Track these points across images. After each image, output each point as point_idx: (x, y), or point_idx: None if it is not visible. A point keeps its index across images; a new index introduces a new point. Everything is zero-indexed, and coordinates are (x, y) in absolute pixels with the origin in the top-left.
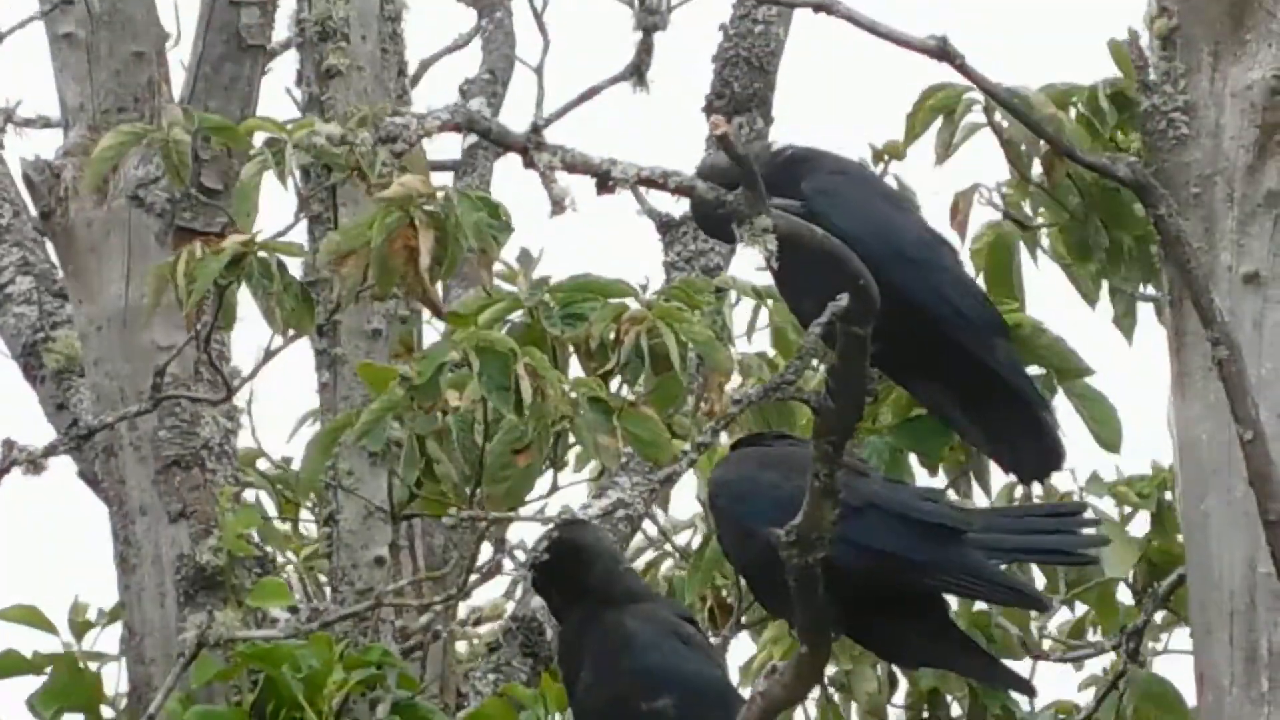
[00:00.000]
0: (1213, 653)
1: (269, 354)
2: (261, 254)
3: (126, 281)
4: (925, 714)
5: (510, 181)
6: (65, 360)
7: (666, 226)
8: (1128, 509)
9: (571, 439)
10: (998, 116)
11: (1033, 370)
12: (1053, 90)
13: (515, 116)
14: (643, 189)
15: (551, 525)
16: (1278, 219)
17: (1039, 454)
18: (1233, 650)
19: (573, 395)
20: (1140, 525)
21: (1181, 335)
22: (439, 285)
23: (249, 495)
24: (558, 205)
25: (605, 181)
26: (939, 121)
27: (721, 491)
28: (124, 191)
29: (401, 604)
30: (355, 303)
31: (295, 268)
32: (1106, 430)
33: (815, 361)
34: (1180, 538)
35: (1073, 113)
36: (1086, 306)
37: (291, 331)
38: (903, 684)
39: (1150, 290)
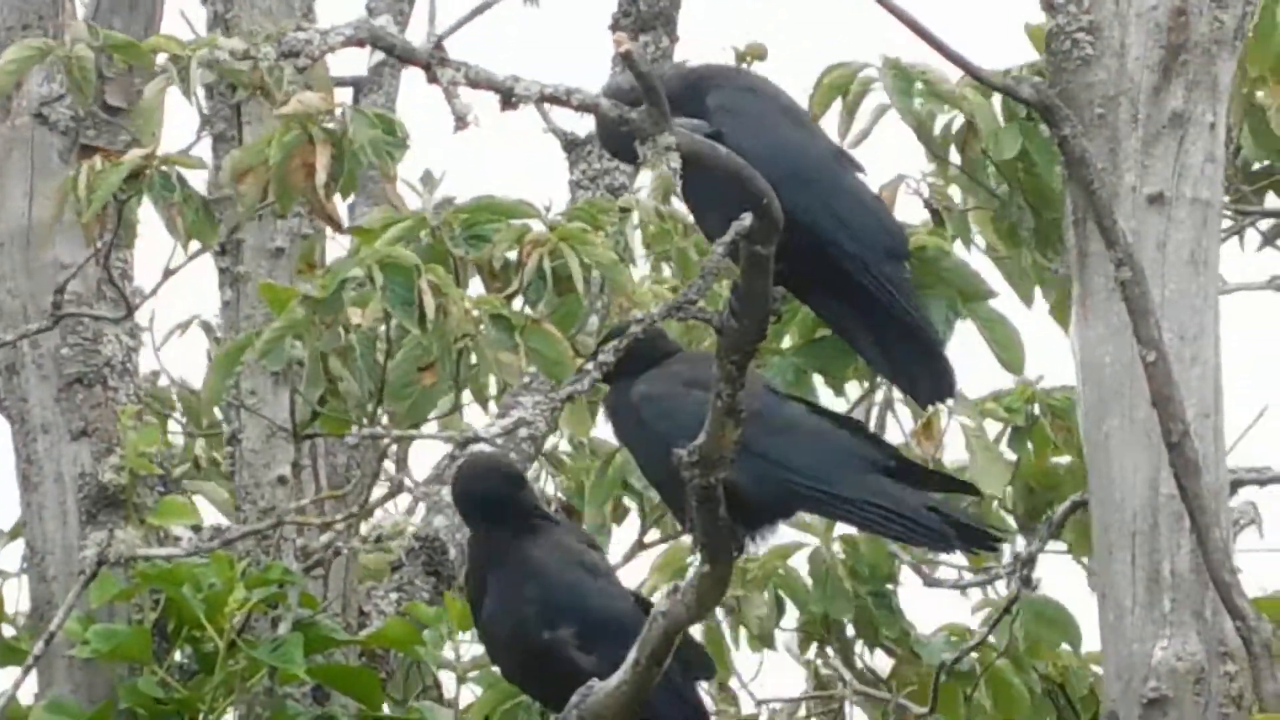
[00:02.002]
0: (1114, 573)
1: (169, 271)
2: (163, 168)
3: (30, 199)
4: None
5: (416, 99)
6: None
7: (571, 145)
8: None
9: (474, 358)
10: (914, 102)
11: (937, 292)
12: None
13: (422, 34)
14: (547, 107)
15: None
16: (1182, 140)
17: (933, 378)
18: (1134, 571)
19: (475, 313)
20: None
21: (1085, 256)
22: (342, 203)
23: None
24: (460, 121)
25: (509, 98)
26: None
27: (647, 407)
28: (28, 109)
29: (304, 522)
30: (256, 219)
31: (198, 183)
32: (1009, 352)
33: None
34: (1061, 457)
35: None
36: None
37: (194, 247)
38: (791, 610)
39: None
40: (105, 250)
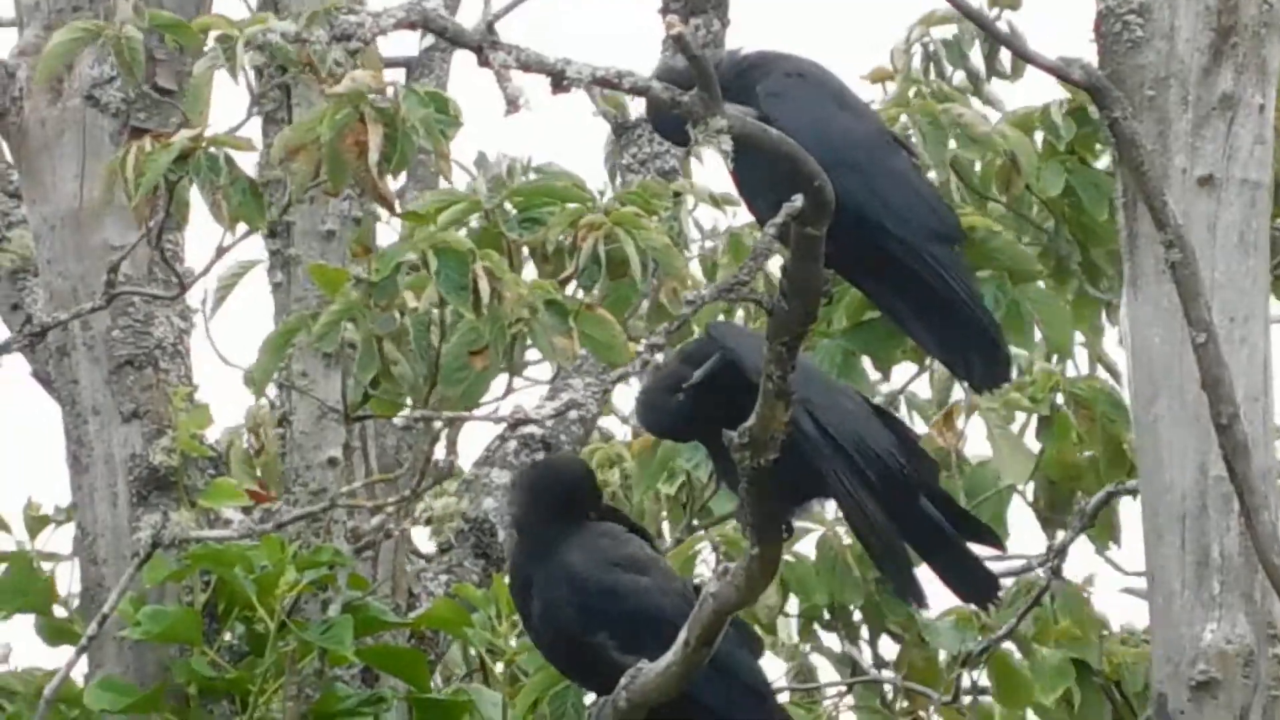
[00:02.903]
0: (1163, 556)
1: (221, 250)
2: (210, 149)
3: (80, 181)
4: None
5: (468, 82)
6: (20, 260)
7: (622, 128)
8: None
9: (528, 341)
10: (949, 149)
11: (986, 273)
12: (1013, 115)
13: (473, 17)
14: (598, 90)
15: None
16: (1231, 122)
17: (987, 363)
18: (1184, 554)
19: (529, 297)
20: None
21: (1135, 238)
22: (394, 184)
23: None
24: (512, 104)
25: (560, 81)
26: None
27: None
28: (79, 91)
29: (355, 505)
30: (307, 201)
31: (248, 166)
32: (1057, 332)
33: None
34: (1084, 451)
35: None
36: None
37: (243, 228)
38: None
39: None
40: (157, 231)
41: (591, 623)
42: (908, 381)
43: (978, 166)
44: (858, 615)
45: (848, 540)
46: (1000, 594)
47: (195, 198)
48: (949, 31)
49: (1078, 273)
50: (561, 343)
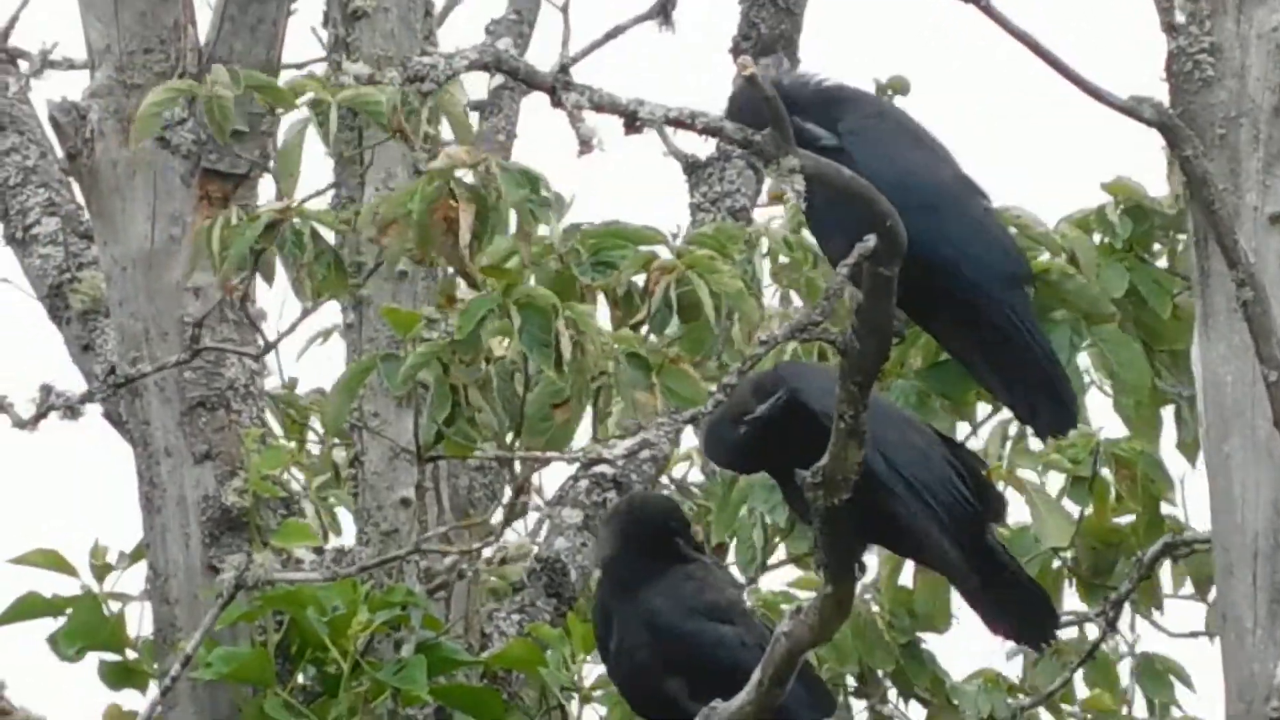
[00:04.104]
0: (1235, 594)
1: (305, 313)
2: (296, 220)
3: (152, 222)
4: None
5: (536, 122)
6: (91, 301)
7: (692, 168)
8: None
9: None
10: None
11: (1060, 315)
12: (1069, 217)
13: (541, 57)
14: (670, 130)
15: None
16: None
17: (1054, 410)
18: (1255, 591)
19: (611, 350)
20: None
21: (1206, 276)
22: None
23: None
24: (585, 145)
25: (633, 121)
26: None
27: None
28: (150, 133)
29: (436, 550)
30: (396, 276)
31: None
32: (1132, 374)
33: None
34: (1124, 516)
35: (1096, 237)
36: None
37: (321, 300)
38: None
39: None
40: (242, 297)
41: (668, 668)
42: (983, 420)
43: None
44: (886, 681)
45: (875, 607)
46: (1054, 641)
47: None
48: None
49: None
50: (643, 398)
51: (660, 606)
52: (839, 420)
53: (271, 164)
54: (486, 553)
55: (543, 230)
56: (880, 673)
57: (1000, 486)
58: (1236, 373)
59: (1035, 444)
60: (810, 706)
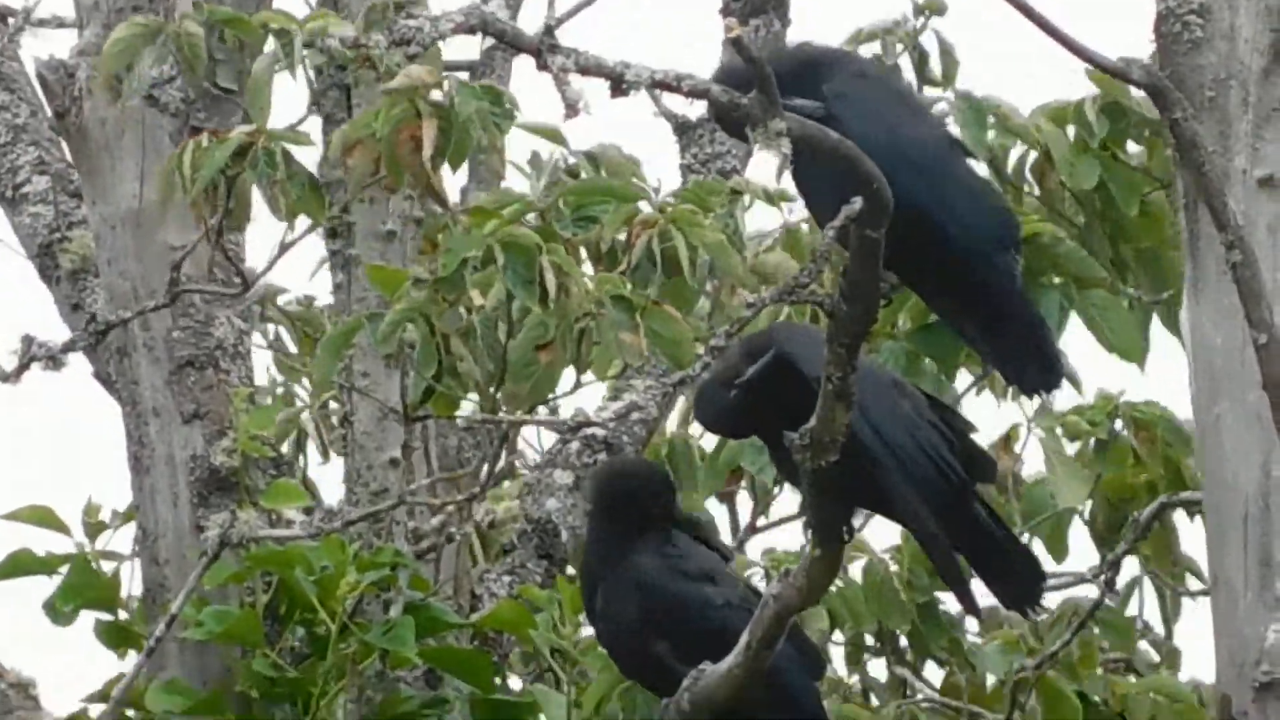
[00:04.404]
0: (1226, 558)
1: (284, 246)
2: (268, 144)
3: (141, 181)
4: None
5: (529, 84)
6: (80, 260)
7: (683, 129)
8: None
9: (595, 337)
10: (987, 136)
11: (1050, 279)
12: (1045, 108)
13: (533, 20)
14: (657, 91)
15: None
16: None
17: (1040, 369)
18: (1246, 555)
19: (596, 293)
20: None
21: (1196, 240)
22: (454, 182)
23: (269, 329)
24: (571, 108)
25: (619, 84)
26: None
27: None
28: (139, 91)
29: (422, 503)
30: (366, 199)
31: (308, 161)
32: (1123, 339)
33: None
34: (1142, 475)
35: (1070, 131)
36: None
37: (302, 225)
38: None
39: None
40: (217, 228)
41: (654, 631)
42: (969, 387)
43: (1013, 158)
44: (904, 640)
45: (894, 566)
46: (1044, 604)
47: (256, 197)
48: (876, 48)
49: (1108, 267)
50: (629, 339)
51: (646, 568)
52: (826, 382)
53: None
54: (476, 514)
55: (524, 185)
56: (898, 634)
57: (1019, 446)
58: (1226, 336)
59: (1057, 404)
60: (800, 668)
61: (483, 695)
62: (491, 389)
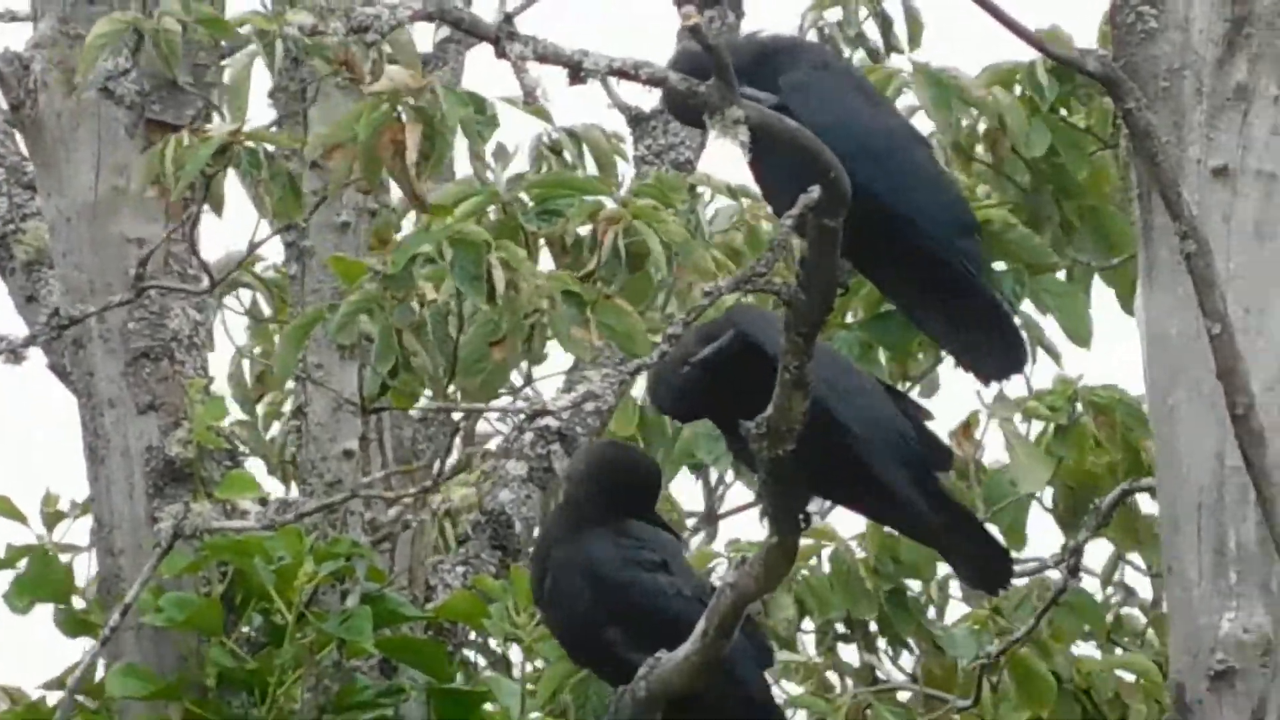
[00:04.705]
0: (1180, 547)
1: (254, 244)
2: (249, 144)
3: (96, 173)
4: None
5: (482, 75)
6: (35, 252)
7: (637, 120)
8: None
9: (548, 332)
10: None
11: (1002, 266)
12: (995, 70)
13: (486, 8)
14: (614, 81)
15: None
16: (1246, 113)
17: (1000, 355)
18: (1200, 544)
19: (547, 288)
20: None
21: (1150, 229)
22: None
23: (245, 296)
24: (530, 96)
25: (577, 72)
26: None
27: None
28: (94, 84)
29: (376, 496)
30: (340, 198)
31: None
32: (1075, 323)
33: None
34: (1103, 457)
35: (1017, 90)
36: None
37: (278, 222)
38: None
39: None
40: (192, 224)
41: (605, 619)
42: (923, 374)
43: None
44: (874, 626)
45: (860, 554)
46: (1010, 587)
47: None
48: (837, 13)
49: (1055, 231)
50: (579, 333)
51: (598, 554)
52: (783, 371)
53: (214, 114)
54: (433, 503)
55: (489, 176)
56: (869, 619)
57: (979, 432)
58: (1180, 325)
59: (1012, 391)
60: (751, 658)
61: (438, 685)
62: (444, 383)
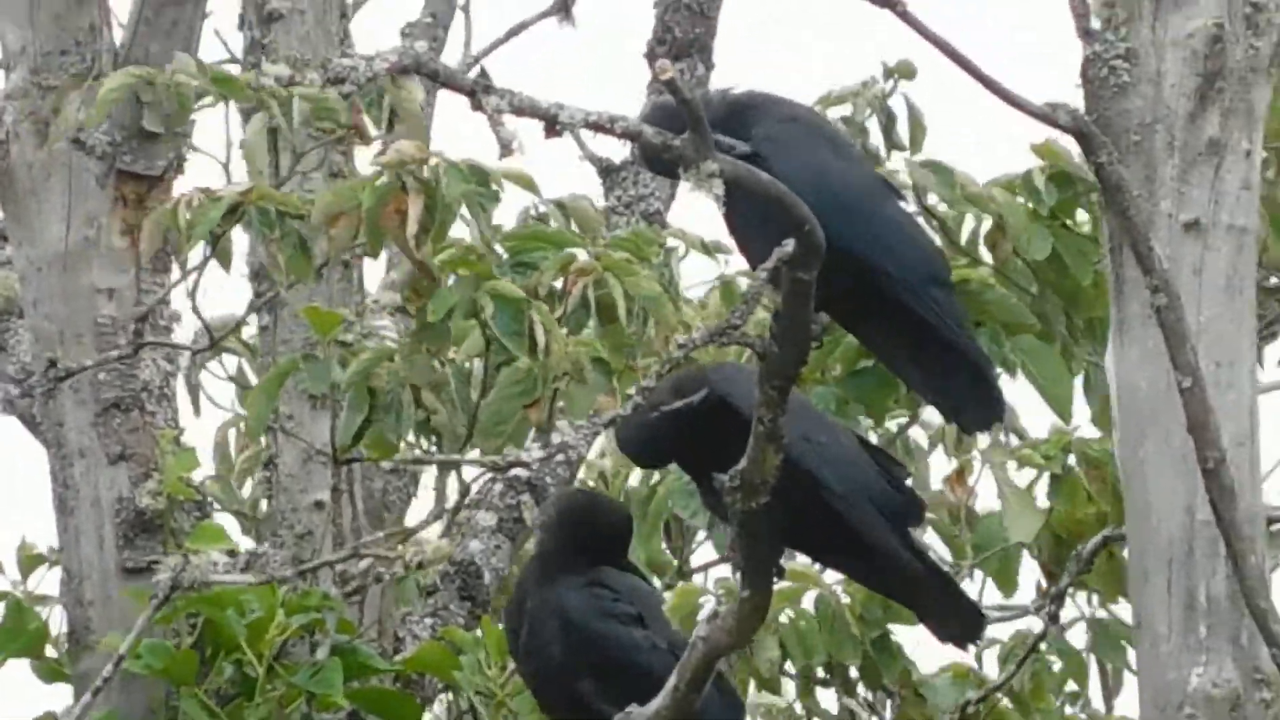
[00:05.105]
0: (1150, 600)
1: (254, 306)
2: (260, 204)
3: (67, 224)
4: (820, 679)
5: (452, 123)
6: (4, 301)
7: (608, 171)
8: (1032, 473)
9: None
10: (931, 199)
11: (979, 328)
12: (994, 180)
13: (456, 57)
14: (588, 133)
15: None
16: (1218, 167)
17: (980, 405)
18: (1170, 598)
19: (575, 353)
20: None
21: (1121, 283)
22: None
23: (230, 362)
24: (506, 148)
25: (553, 125)
26: None
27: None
28: (65, 134)
29: (375, 554)
30: (342, 264)
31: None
32: (1054, 387)
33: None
34: (1091, 508)
35: (1020, 200)
36: None
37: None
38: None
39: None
40: (196, 282)
41: (579, 671)
42: (902, 429)
43: (966, 227)
44: (854, 672)
45: (846, 599)
46: (985, 636)
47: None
48: (846, 110)
49: (1063, 334)
50: (605, 401)
51: (573, 605)
52: (757, 424)
53: (184, 165)
54: (405, 554)
55: (468, 231)
56: (851, 667)
57: (973, 479)
58: (1150, 379)
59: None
60: (722, 709)
61: None
62: (463, 442)
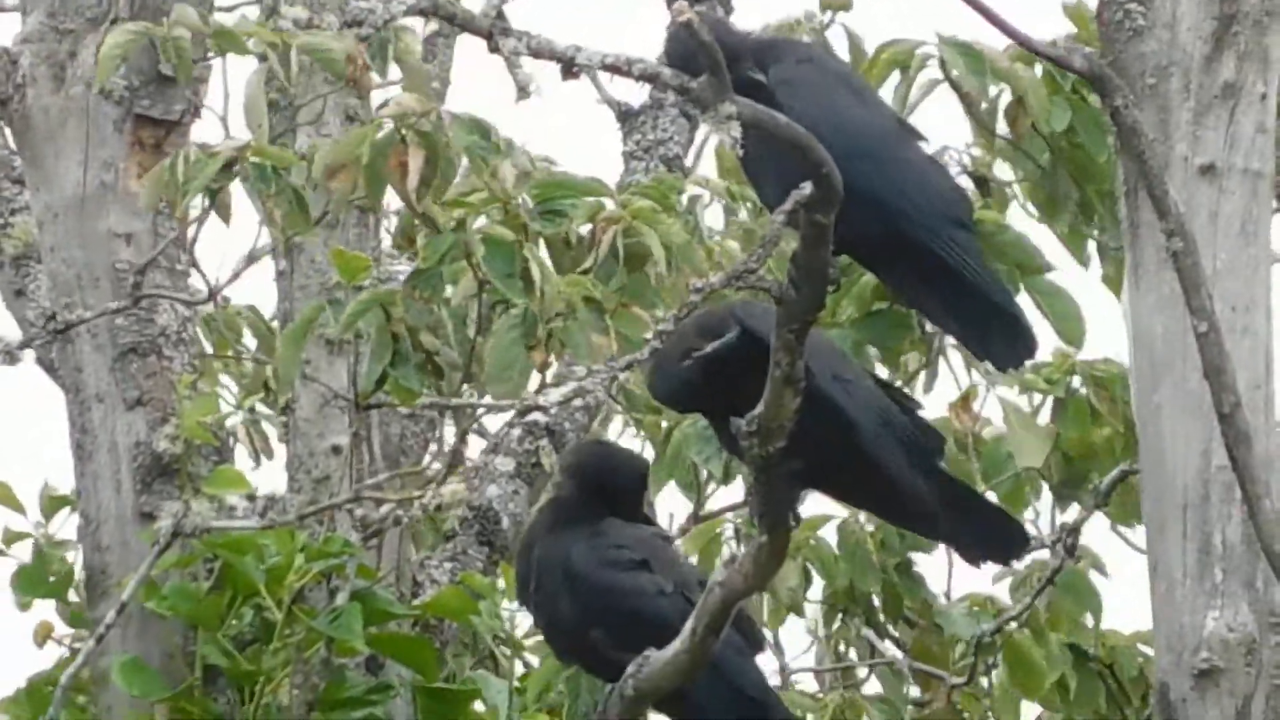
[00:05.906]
0: (1166, 545)
1: (253, 257)
2: (255, 159)
3: (84, 169)
4: (843, 609)
5: (471, 69)
6: (23, 246)
7: (625, 115)
8: (1037, 397)
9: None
10: (955, 73)
11: (996, 267)
12: (1015, 51)
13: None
14: (603, 76)
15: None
16: (1233, 110)
17: (1010, 342)
18: (1185, 543)
19: (567, 293)
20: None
21: (1136, 227)
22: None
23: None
24: (522, 91)
25: (570, 67)
26: (895, 76)
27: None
28: (82, 79)
29: (376, 498)
30: (343, 214)
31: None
32: (1069, 325)
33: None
34: (1102, 429)
35: (1038, 69)
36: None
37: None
38: (818, 580)
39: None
40: (194, 236)
41: (588, 620)
42: (916, 371)
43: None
44: (878, 600)
45: (869, 527)
46: (1028, 550)
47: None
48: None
49: (1074, 211)
50: (599, 341)
51: (575, 554)
52: (774, 368)
53: (201, 110)
54: (425, 498)
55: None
56: (872, 592)
57: (978, 405)
58: (1166, 324)
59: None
60: (740, 650)
61: (426, 682)
62: (459, 382)
